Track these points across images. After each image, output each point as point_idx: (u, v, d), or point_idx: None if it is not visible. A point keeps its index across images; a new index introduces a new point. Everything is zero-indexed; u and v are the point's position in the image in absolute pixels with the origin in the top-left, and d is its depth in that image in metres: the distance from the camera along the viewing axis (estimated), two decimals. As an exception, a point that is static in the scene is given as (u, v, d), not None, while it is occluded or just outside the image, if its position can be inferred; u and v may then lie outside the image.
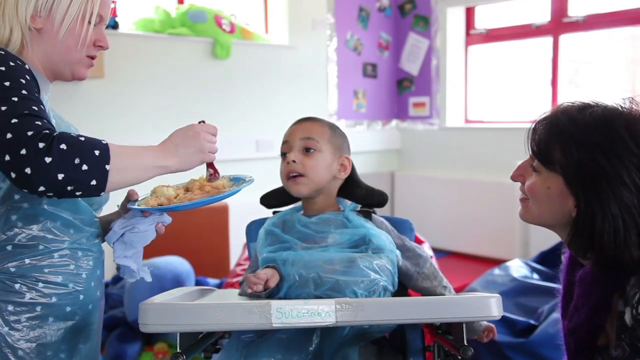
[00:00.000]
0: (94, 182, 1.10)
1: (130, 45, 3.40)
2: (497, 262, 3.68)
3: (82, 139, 1.10)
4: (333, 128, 1.68)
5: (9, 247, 1.21)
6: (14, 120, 1.06)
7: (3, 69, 1.13)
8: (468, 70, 4.68)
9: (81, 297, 1.30)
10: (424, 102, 4.73)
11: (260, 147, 3.95)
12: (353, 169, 1.73)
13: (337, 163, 1.65)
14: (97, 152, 1.10)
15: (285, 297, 1.48)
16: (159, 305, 1.18)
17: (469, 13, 4.61)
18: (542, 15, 4.18)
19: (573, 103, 1.19)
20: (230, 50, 3.76)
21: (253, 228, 1.81)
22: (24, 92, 1.12)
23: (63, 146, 1.06)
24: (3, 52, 1.17)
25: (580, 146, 1.11)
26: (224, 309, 1.16)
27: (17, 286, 1.21)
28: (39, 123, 1.08)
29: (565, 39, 4.09)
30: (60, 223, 1.26)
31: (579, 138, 1.11)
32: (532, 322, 2.58)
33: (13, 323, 1.21)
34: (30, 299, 1.23)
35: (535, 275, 3.02)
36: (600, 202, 1.08)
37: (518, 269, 3.05)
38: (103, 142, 1.13)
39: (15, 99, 1.09)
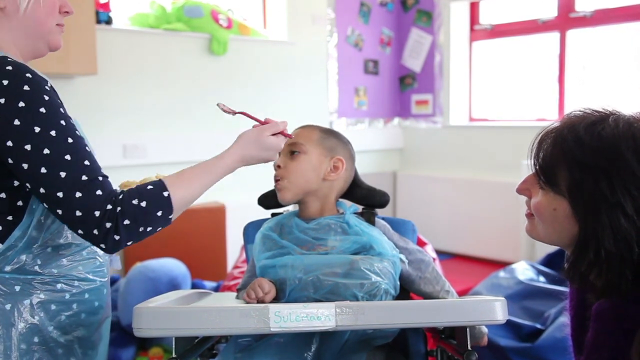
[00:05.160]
0: (160, 229, 1.22)
1: (125, 41, 3.38)
2: (503, 264, 3.67)
3: (143, 204, 1.17)
4: (326, 132, 1.65)
5: (49, 249, 1.25)
6: (78, 195, 1.13)
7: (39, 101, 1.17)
8: (472, 67, 4.64)
9: (105, 291, 1.36)
10: (427, 100, 4.69)
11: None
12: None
13: (327, 164, 1.60)
14: (159, 214, 1.19)
15: (285, 301, 1.47)
16: (153, 309, 1.17)
17: (474, 8, 4.57)
18: (549, 10, 4.15)
19: (584, 114, 1.09)
20: (227, 46, 3.74)
21: (251, 229, 1.80)
22: (69, 140, 1.16)
23: (127, 222, 1.16)
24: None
25: (585, 171, 1.03)
26: (221, 312, 1.15)
27: (59, 286, 1.27)
28: (100, 193, 1.15)
29: (572, 34, 4.06)
30: None
31: (584, 162, 1.03)
32: (538, 326, 2.56)
33: (56, 322, 1.27)
34: (69, 297, 1.28)
35: (542, 278, 2.99)
36: (595, 232, 1.02)
37: (524, 271, 3.02)
38: (164, 194, 1.20)
39: (68, 157, 1.14)
